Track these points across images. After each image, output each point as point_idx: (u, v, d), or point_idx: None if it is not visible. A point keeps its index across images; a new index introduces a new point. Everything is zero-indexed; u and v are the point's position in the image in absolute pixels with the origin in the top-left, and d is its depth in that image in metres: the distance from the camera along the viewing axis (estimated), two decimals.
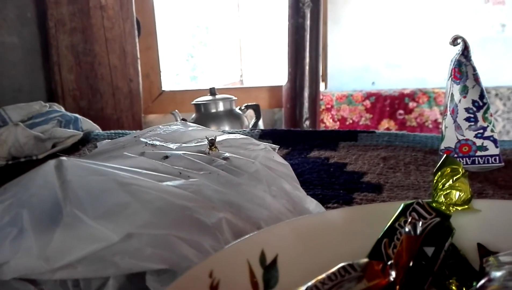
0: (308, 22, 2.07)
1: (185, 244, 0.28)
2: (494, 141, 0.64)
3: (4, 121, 0.91)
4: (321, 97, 2.45)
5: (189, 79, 3.04)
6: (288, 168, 0.44)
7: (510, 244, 0.29)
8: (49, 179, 0.30)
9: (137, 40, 1.72)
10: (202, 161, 0.40)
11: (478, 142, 0.64)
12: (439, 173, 0.32)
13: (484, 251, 0.29)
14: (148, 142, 0.48)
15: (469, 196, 0.31)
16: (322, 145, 0.84)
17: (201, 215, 0.30)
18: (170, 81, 2.71)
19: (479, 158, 0.65)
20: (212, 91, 1.59)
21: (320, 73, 2.39)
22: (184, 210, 0.30)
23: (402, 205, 0.30)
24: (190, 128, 0.52)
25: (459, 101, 0.65)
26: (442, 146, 0.67)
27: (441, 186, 0.31)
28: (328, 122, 2.49)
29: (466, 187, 0.31)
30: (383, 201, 0.56)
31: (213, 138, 0.45)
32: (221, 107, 1.56)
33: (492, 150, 0.64)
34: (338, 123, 2.47)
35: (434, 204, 0.31)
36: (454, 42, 0.65)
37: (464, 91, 0.64)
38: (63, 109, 1.09)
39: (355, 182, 0.64)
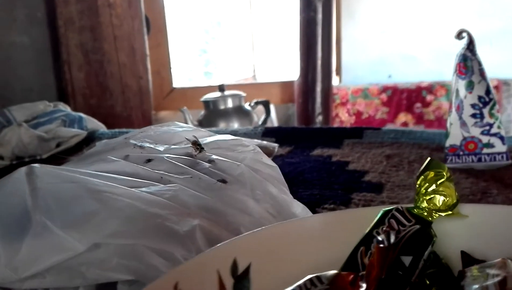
0: (320, 16, 2.04)
1: (154, 253, 0.27)
2: (501, 138, 0.61)
3: (8, 121, 0.92)
4: (336, 91, 2.42)
5: (203, 75, 3.04)
6: (276, 170, 0.43)
7: (498, 251, 0.28)
8: (19, 187, 0.30)
9: (146, 37, 1.72)
10: (185, 164, 0.39)
11: (484, 139, 0.62)
12: (422, 177, 0.30)
13: (468, 260, 0.28)
14: (137, 143, 0.48)
15: (455, 201, 0.29)
16: (326, 142, 0.83)
17: (173, 223, 0.29)
18: (183, 77, 2.71)
19: (485, 156, 0.62)
20: (221, 88, 1.58)
21: (333, 67, 2.36)
22: (155, 218, 0.29)
23: (381, 212, 0.29)
24: (181, 129, 0.51)
25: (465, 97, 0.62)
26: (447, 144, 0.65)
27: (423, 191, 0.30)
28: (344, 117, 2.46)
29: (451, 191, 0.29)
30: (382, 202, 0.54)
31: (196, 140, 0.44)
32: (230, 103, 1.55)
33: (499, 147, 0.62)
34: (353, 117, 2.44)
35: (415, 210, 0.29)
36: (459, 36, 0.62)
37: (470, 86, 0.62)
38: (68, 109, 1.09)
39: (355, 182, 0.62)
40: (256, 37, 2.85)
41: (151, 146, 0.47)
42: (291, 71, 2.21)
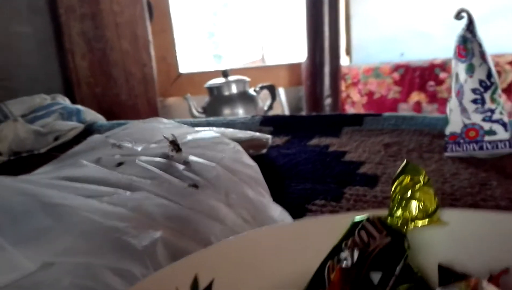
0: None
1: (109, 272, 0.26)
2: (504, 125, 0.58)
3: (5, 116, 0.91)
4: (346, 71, 2.37)
5: (212, 58, 3.00)
6: (256, 169, 0.41)
7: (481, 263, 0.26)
8: None
9: (148, 23, 1.69)
10: (157, 167, 0.37)
11: (486, 126, 0.59)
12: (397, 182, 0.28)
13: (446, 274, 0.25)
14: (116, 143, 0.46)
15: (434, 207, 0.27)
16: (325, 131, 0.80)
17: (131, 237, 0.28)
18: (192, 62, 2.68)
19: (487, 144, 0.59)
20: (225, 73, 1.55)
21: (343, 47, 2.30)
22: (113, 233, 0.28)
23: (351, 222, 0.27)
24: (163, 126, 0.50)
25: (465, 81, 0.59)
26: (447, 132, 0.62)
27: (399, 197, 0.27)
28: (355, 97, 2.42)
29: (429, 197, 0.27)
30: (375, 196, 0.52)
31: (175, 139, 0.42)
32: (234, 89, 1.52)
33: (502, 134, 0.58)
34: (365, 97, 2.40)
35: (389, 219, 0.27)
36: (458, 16, 0.58)
37: (470, 70, 0.58)
38: (67, 101, 1.09)
39: (350, 174, 0.60)
40: (264, 19, 2.80)
41: (129, 145, 0.45)
42: (300, 53, 2.17)
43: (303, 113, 2.26)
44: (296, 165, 0.65)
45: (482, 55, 0.58)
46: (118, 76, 1.67)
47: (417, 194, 0.27)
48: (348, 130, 0.79)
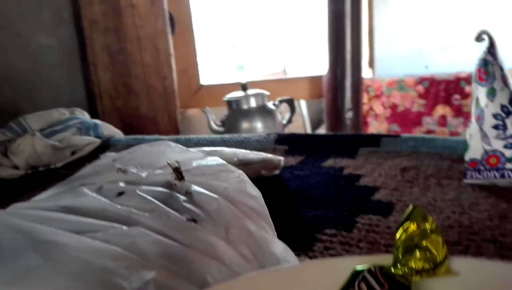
0: (348, 8, 1.97)
1: None
2: None
3: (24, 130, 0.93)
4: (370, 83, 2.35)
5: (235, 69, 3.02)
6: (260, 201, 0.39)
7: None
8: None
9: (170, 36, 1.71)
10: (158, 198, 0.36)
11: (508, 153, 0.56)
12: (402, 229, 0.26)
13: None
14: (122, 168, 0.46)
15: (442, 257, 0.25)
16: (341, 151, 0.78)
17: (122, 279, 0.27)
18: (214, 73, 2.70)
19: (509, 172, 0.56)
20: (244, 87, 1.55)
21: (366, 59, 2.28)
22: (103, 273, 0.27)
23: (350, 273, 0.25)
24: (170, 150, 0.49)
25: (486, 106, 0.56)
26: (467, 158, 0.59)
27: (403, 246, 0.25)
28: (378, 110, 2.39)
29: (437, 246, 0.25)
30: (388, 227, 0.50)
31: (178, 166, 0.41)
32: (253, 103, 1.52)
33: None
34: (389, 110, 2.36)
35: (392, 270, 0.25)
36: (478, 38, 0.56)
37: (491, 94, 0.56)
38: (85, 115, 1.10)
39: (363, 200, 0.58)
40: (286, 31, 2.80)
41: (134, 170, 0.45)
42: (321, 66, 2.16)
43: (324, 126, 2.24)
44: (308, 188, 0.63)
45: (504, 78, 0.55)
46: (139, 89, 1.69)
47: (424, 243, 0.25)
48: (365, 151, 0.77)
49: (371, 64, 2.41)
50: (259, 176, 0.68)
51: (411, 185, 0.61)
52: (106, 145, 1.00)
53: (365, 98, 2.32)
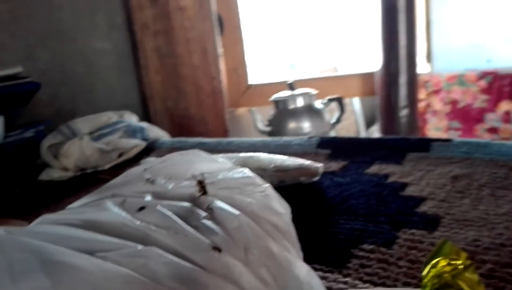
0: (401, 2, 1.89)
1: None
2: None
3: (74, 133, 0.96)
4: (428, 78, 2.25)
5: (285, 67, 3.00)
6: (285, 218, 0.37)
7: None
8: None
9: (218, 37, 1.71)
10: (178, 213, 0.35)
11: None
12: (430, 266, 0.23)
13: None
14: (150, 178, 0.45)
15: None
16: (387, 157, 0.74)
17: None
18: (264, 72, 2.69)
19: None
20: (291, 86, 1.52)
21: (424, 54, 2.18)
22: None
23: None
24: (199, 160, 0.48)
25: None
26: None
27: (431, 284, 0.22)
28: (437, 106, 2.28)
29: (472, 284, 0.22)
30: (432, 245, 0.45)
31: (202, 179, 0.39)
32: (300, 102, 1.48)
33: None
34: (449, 106, 2.25)
35: None
36: None
37: None
38: (134, 118, 1.12)
39: (407, 213, 0.54)
40: (337, 27, 2.73)
41: (162, 181, 0.44)
42: (374, 62, 2.08)
43: (378, 124, 2.17)
44: (348, 198, 0.60)
45: None
46: (188, 90, 1.71)
47: (457, 281, 0.22)
48: (413, 156, 0.72)
49: (429, 58, 2.29)
50: (298, 182, 0.65)
51: (462, 196, 0.56)
52: (152, 148, 1.02)
53: (423, 94, 2.23)
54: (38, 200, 0.79)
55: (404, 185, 0.62)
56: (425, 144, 0.74)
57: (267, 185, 0.40)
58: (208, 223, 0.34)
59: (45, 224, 0.36)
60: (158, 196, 0.41)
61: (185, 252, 0.31)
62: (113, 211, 0.36)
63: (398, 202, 0.57)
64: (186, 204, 0.37)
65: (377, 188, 0.62)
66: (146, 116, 1.75)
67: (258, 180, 0.41)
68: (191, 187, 0.40)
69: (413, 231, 0.49)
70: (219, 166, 0.46)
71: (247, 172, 0.43)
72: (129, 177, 0.48)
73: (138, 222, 0.34)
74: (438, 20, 2.22)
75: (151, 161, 0.58)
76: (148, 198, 0.40)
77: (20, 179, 0.91)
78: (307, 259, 0.45)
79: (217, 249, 0.31)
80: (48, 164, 0.93)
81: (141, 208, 0.36)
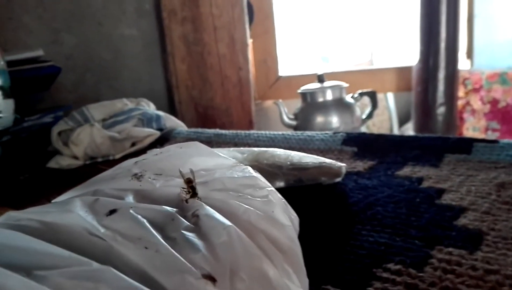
0: None
1: None
2: None
3: (86, 120, 0.91)
4: (467, 76, 2.12)
5: (318, 60, 2.90)
6: (289, 231, 0.30)
7: None
8: None
9: (247, 26, 1.64)
10: (154, 220, 0.28)
11: None
12: None
13: None
14: (138, 173, 0.39)
15: None
16: (421, 157, 0.65)
17: None
18: (296, 64, 2.61)
19: None
20: (320, 78, 1.43)
21: (464, 50, 2.05)
22: None
23: None
24: (198, 153, 0.41)
25: None
26: None
27: None
28: (476, 105, 2.15)
29: None
30: (472, 269, 0.37)
31: (191, 178, 0.33)
32: (329, 95, 1.40)
33: None
34: (488, 106, 2.12)
35: None
36: None
37: None
38: (151, 106, 1.07)
39: (444, 226, 0.45)
40: (374, 19, 2.62)
41: (151, 178, 0.37)
42: (411, 56, 1.97)
43: (412, 121, 2.06)
44: (373, 204, 0.52)
45: None
46: (214, 79, 1.65)
47: None
48: (452, 159, 0.63)
49: (470, 54, 2.16)
50: (318, 183, 0.58)
51: (509, 208, 0.47)
52: (167, 138, 0.96)
53: (461, 92, 2.10)
54: (41, 189, 0.75)
55: (440, 192, 0.53)
56: (467, 145, 0.65)
57: (271, 188, 0.33)
58: (189, 235, 0.27)
59: (5, 223, 0.31)
60: (140, 195, 0.34)
61: (153, 274, 0.24)
62: (77, 213, 0.29)
63: (432, 212, 0.48)
64: (168, 208, 0.30)
65: (409, 194, 0.53)
66: (171, 105, 1.70)
67: (262, 181, 0.34)
68: (181, 186, 0.34)
69: (450, 249, 0.40)
70: (218, 162, 0.39)
71: (250, 170, 0.36)
72: (118, 171, 0.42)
73: (102, 230, 0.27)
74: (482, 14, 2.08)
75: (157, 150, 0.52)
76: (129, 198, 0.34)
77: (28, 166, 0.87)
78: (319, 279, 0.38)
79: (209, 278, 0.24)
80: (58, 151, 0.89)
81: (112, 211, 0.30)
